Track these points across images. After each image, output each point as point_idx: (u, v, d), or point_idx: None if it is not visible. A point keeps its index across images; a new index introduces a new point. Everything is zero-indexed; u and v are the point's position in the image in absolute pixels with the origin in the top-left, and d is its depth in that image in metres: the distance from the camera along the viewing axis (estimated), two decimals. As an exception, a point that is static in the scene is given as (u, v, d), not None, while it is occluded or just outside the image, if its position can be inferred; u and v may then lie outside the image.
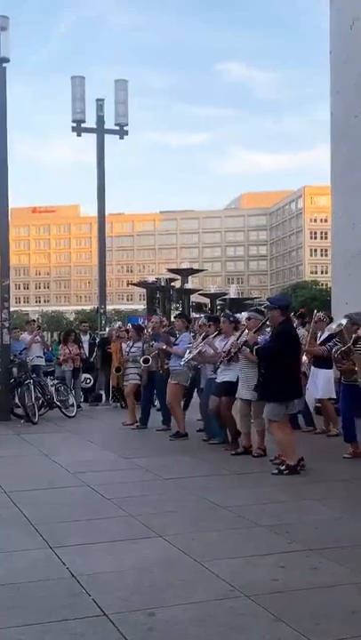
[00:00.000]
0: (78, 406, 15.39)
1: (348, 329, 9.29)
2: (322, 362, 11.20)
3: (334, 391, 11.61)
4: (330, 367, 11.31)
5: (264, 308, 9.38)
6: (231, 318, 10.80)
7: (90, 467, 9.08)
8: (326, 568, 5.05)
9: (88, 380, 17.56)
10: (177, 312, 21.67)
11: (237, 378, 9.83)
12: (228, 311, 14.15)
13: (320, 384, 11.31)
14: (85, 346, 17.38)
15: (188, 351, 10.98)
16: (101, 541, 5.82)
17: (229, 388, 9.95)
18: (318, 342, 11.16)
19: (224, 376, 10.09)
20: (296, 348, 8.93)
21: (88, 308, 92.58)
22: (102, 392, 17.64)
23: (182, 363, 11.01)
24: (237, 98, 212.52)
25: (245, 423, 9.75)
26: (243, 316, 11.43)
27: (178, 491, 7.69)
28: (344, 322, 9.48)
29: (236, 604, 4.41)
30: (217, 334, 10.64)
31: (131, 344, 13.21)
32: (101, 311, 26.03)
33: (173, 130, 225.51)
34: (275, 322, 8.69)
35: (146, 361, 12.33)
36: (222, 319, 10.94)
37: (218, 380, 10.22)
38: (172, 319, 13.44)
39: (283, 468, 8.29)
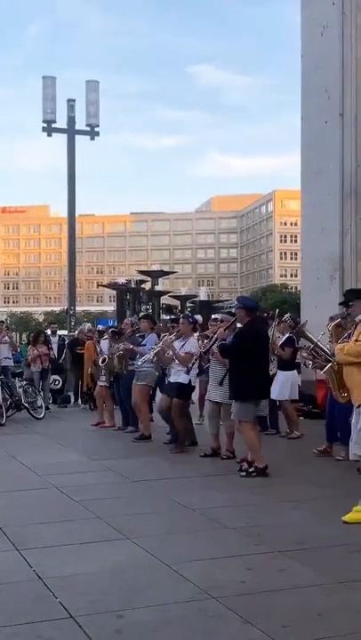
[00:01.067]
0: (47, 408, 15.32)
1: (335, 330, 9.30)
2: (285, 364, 11.26)
3: (296, 393, 11.68)
4: (292, 369, 11.40)
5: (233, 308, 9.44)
6: (190, 319, 10.82)
7: (58, 469, 9.03)
8: (293, 570, 5.08)
9: (57, 382, 17.50)
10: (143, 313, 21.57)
11: (190, 380, 10.00)
12: (188, 312, 14.22)
13: (278, 385, 11.26)
14: (54, 347, 17.30)
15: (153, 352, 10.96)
16: (69, 544, 5.80)
17: (181, 390, 10.05)
18: (279, 344, 11.23)
19: (177, 377, 10.11)
20: (263, 347, 8.88)
21: (57, 309, 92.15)
22: (71, 394, 17.59)
23: (139, 363, 10.96)
24: (210, 101, 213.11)
25: (214, 425, 9.78)
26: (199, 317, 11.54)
27: (147, 493, 7.69)
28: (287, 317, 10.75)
29: (205, 606, 4.43)
30: (175, 335, 10.59)
31: (109, 345, 13.17)
32: (71, 312, 25.95)
33: (146, 132, 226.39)
34: (241, 321, 8.76)
35: (103, 360, 12.33)
36: (181, 320, 10.97)
37: (171, 380, 10.25)
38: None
39: (251, 470, 8.32)
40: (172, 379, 10.26)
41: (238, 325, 9.19)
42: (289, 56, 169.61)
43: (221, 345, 8.96)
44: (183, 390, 10.10)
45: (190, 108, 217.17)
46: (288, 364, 11.32)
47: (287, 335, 11.26)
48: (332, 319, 9.36)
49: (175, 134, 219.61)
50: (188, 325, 10.45)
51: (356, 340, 6.32)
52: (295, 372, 11.58)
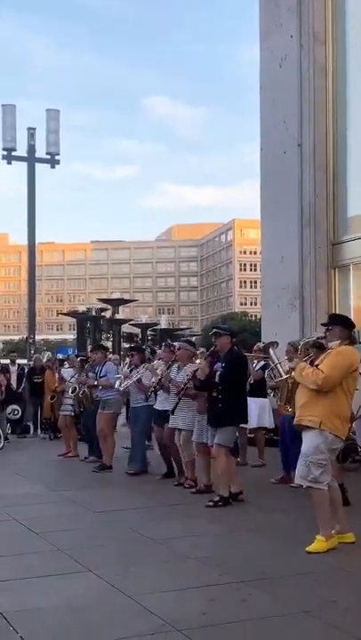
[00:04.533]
0: (5, 438, 15.07)
1: (292, 355, 9.41)
2: (256, 391, 11.25)
3: (268, 421, 11.68)
4: (264, 396, 11.40)
5: (212, 333, 9.21)
6: (171, 347, 10.71)
7: (17, 500, 8.88)
8: (256, 600, 5.05)
9: (16, 412, 17.24)
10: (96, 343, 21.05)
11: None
12: (169, 340, 14.05)
13: (254, 413, 11.28)
14: (14, 376, 17.09)
15: (119, 380, 10.92)
16: (30, 577, 5.69)
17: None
18: (255, 371, 11.28)
19: (164, 405, 9.97)
20: (246, 373, 9.09)
21: (16, 337, 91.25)
22: (30, 423, 17.36)
23: (121, 388, 10.84)
24: (165, 133, 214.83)
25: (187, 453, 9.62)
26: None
27: (108, 524, 7.59)
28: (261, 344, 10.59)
29: (168, 638, 4.37)
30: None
31: (73, 373, 13.02)
32: (30, 341, 25.75)
33: (103, 163, 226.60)
34: (224, 348, 8.63)
35: (73, 390, 12.23)
36: (164, 347, 10.94)
37: (159, 408, 10.15)
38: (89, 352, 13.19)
39: (217, 499, 8.25)
40: (159, 406, 10.11)
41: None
42: (243, 89, 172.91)
43: (222, 377, 8.51)
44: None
45: (145, 139, 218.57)
46: (260, 391, 11.29)
47: (262, 363, 11.26)
48: (291, 345, 9.49)
49: (132, 165, 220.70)
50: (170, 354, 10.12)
51: (317, 367, 6.34)
52: (267, 399, 11.55)
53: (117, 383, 10.94)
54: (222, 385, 8.45)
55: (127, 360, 11.70)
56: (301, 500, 8.24)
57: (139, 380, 10.53)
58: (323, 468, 6.28)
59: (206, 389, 8.67)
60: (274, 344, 10.21)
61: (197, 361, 9.30)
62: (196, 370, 8.87)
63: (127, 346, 27.62)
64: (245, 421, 9.20)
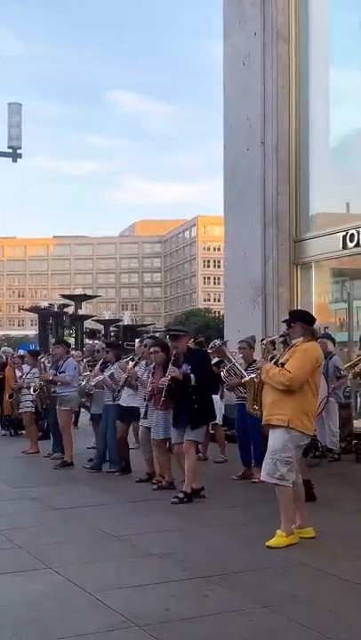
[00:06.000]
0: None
1: (246, 352, 9.59)
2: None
3: (218, 416, 11.74)
4: (216, 392, 11.46)
5: (170, 336, 9.17)
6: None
7: (-23, 497, 8.80)
8: (217, 595, 5.06)
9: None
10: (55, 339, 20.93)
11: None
12: (145, 336, 14.03)
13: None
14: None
15: (83, 378, 10.90)
16: (-12, 575, 5.64)
17: (137, 414, 9.76)
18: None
19: (128, 401, 9.96)
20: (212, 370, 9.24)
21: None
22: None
23: (92, 383, 10.72)
24: (130, 129, 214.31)
25: (148, 449, 9.60)
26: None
27: (69, 520, 7.55)
28: (218, 342, 10.64)
29: (128, 634, 4.36)
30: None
31: (28, 370, 12.91)
32: (-8, 336, 25.51)
33: (66, 158, 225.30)
34: (183, 348, 8.63)
35: (35, 390, 12.13)
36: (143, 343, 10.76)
37: (124, 405, 10.08)
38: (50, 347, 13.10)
39: (181, 495, 8.24)
40: (124, 402, 10.01)
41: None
42: (208, 86, 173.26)
43: (199, 378, 8.45)
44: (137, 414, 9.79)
45: (110, 134, 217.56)
46: (215, 389, 11.36)
47: (216, 359, 11.32)
48: (243, 341, 9.78)
49: (96, 160, 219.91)
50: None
51: (283, 368, 6.36)
52: (218, 395, 11.65)
53: (83, 383, 10.93)
54: (197, 385, 8.44)
55: (86, 359, 11.69)
56: (262, 496, 8.29)
57: (111, 376, 10.45)
58: (289, 465, 6.32)
59: (179, 393, 8.51)
60: (225, 343, 10.40)
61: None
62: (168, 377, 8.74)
63: (89, 341, 27.51)
64: (214, 418, 9.29)
